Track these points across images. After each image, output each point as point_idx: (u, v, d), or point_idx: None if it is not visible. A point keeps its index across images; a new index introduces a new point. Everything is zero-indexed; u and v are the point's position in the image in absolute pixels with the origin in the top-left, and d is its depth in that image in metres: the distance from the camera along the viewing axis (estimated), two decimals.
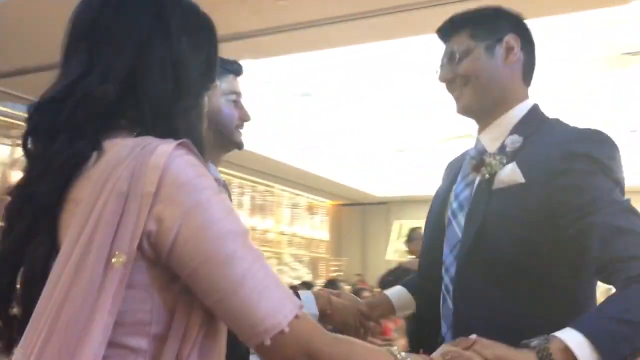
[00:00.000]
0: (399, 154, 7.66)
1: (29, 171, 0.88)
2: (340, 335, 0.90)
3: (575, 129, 1.32)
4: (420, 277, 1.57)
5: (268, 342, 0.80)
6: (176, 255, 0.79)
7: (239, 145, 1.68)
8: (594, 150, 1.24)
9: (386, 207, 11.41)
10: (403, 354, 0.94)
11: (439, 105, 5.23)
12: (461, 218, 1.38)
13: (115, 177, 0.79)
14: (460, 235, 1.36)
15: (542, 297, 1.25)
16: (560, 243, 1.22)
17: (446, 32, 1.47)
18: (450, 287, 1.36)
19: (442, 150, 6.69)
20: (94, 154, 0.84)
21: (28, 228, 0.85)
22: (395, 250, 10.22)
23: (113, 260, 0.76)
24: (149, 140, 0.83)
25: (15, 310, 0.88)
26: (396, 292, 1.70)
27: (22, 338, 0.78)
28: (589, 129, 1.30)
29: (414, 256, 5.22)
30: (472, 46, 1.40)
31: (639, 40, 4.19)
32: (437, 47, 1.50)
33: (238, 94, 1.68)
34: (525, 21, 1.46)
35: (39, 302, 0.78)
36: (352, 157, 7.86)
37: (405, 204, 10.64)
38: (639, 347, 1.05)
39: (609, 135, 1.28)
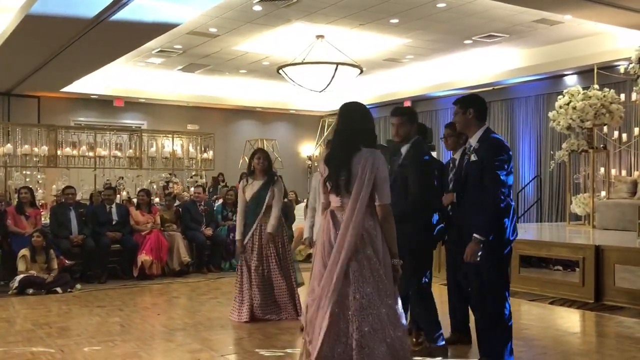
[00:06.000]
0: None
1: (341, 148, 3.45)
2: None
3: (491, 140, 4.15)
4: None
5: (385, 203, 3.37)
6: (378, 178, 3.35)
7: None
8: (497, 150, 4.10)
9: None
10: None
11: None
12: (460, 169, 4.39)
13: (366, 159, 3.35)
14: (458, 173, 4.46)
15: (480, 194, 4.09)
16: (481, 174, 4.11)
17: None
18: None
19: None
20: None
21: (344, 157, 3.39)
22: None
23: (371, 178, 3.34)
24: (372, 150, 3.43)
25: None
26: None
27: (352, 195, 3.33)
28: (498, 141, 4.16)
29: None
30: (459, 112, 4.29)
31: None
32: None
33: None
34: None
35: (355, 184, 3.33)
36: None
37: None
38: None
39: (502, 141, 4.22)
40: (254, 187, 5.97)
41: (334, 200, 3.42)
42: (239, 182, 14.76)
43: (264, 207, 5.91)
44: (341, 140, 3.45)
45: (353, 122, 3.46)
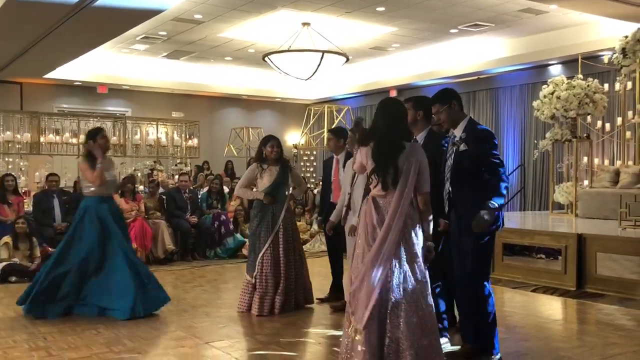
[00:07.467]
0: None
1: (384, 144, 3.69)
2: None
3: (478, 130, 4.23)
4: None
5: (426, 192, 3.68)
6: (420, 170, 3.65)
7: None
8: (487, 140, 4.20)
9: None
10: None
11: None
12: (450, 159, 4.28)
13: (411, 154, 3.64)
14: (450, 163, 4.28)
15: (476, 181, 4.14)
16: (478, 163, 4.14)
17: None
18: (448, 181, 4.28)
19: None
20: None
21: (392, 156, 3.63)
22: None
23: (415, 171, 3.61)
24: (413, 144, 3.81)
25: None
26: None
27: (399, 188, 3.60)
28: (486, 130, 4.31)
29: None
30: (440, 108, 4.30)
31: None
32: None
33: None
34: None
35: (401, 180, 3.59)
36: None
37: None
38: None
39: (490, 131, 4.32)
40: (272, 172, 5.84)
41: (377, 189, 3.70)
42: (224, 170, 14.65)
43: (288, 190, 5.95)
44: (386, 138, 3.69)
45: (394, 119, 3.72)
